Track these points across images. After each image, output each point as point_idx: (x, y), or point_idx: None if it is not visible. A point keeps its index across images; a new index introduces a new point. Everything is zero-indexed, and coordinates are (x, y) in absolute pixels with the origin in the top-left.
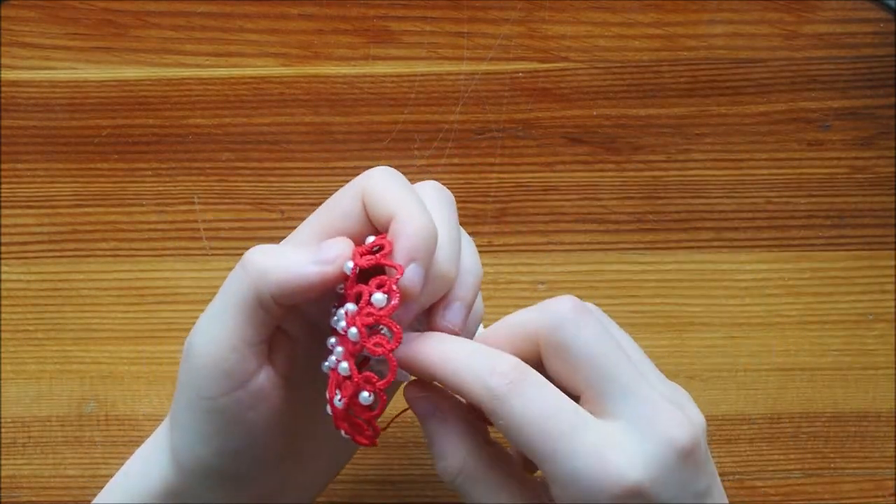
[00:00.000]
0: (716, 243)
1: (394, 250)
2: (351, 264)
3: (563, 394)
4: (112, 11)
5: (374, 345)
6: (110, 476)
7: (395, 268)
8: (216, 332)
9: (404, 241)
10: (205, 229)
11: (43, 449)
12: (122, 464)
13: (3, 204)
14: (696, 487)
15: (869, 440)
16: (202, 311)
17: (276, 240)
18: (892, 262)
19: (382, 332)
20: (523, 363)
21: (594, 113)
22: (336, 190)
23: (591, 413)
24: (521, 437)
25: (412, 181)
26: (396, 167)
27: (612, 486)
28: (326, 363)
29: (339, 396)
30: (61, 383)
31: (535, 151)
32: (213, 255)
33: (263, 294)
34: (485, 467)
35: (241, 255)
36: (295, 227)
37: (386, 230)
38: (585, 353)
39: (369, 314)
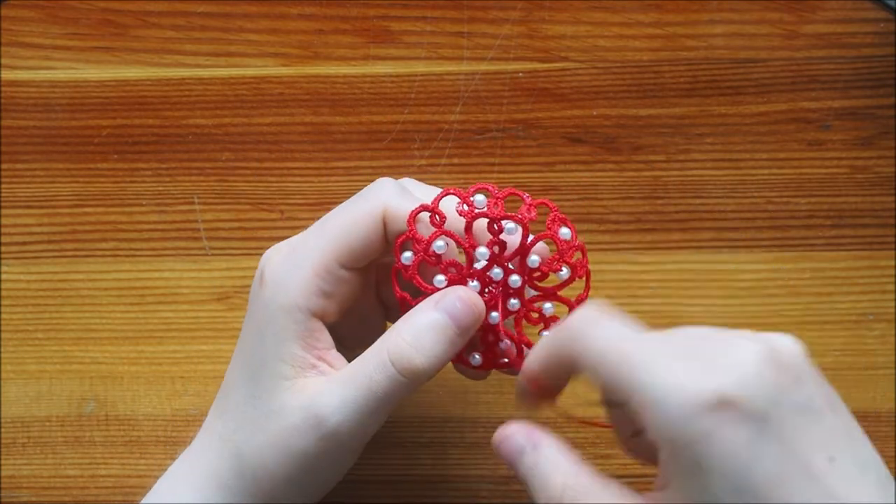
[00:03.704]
0: (716, 243)
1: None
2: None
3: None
4: (112, 11)
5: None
6: (110, 476)
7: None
8: None
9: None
10: (205, 229)
11: (43, 449)
12: (122, 464)
13: (3, 204)
14: (792, 397)
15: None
16: (202, 310)
17: (276, 240)
18: (892, 262)
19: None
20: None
21: (594, 113)
22: (335, 190)
23: None
24: (602, 376)
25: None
26: (396, 167)
27: (693, 399)
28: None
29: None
30: (61, 383)
31: (535, 151)
32: (212, 255)
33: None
34: (590, 476)
35: (241, 255)
36: (294, 227)
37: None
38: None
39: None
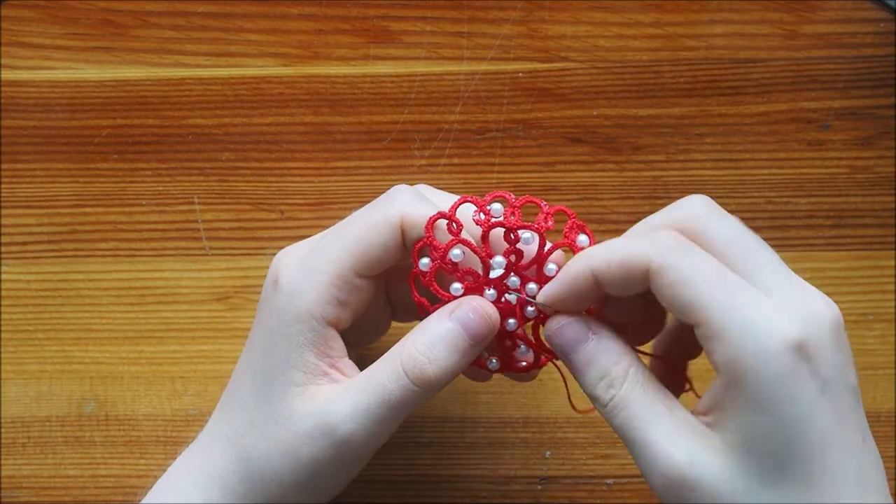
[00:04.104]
0: None
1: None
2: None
3: None
4: (112, 11)
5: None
6: (110, 476)
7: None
8: None
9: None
10: (205, 229)
11: (43, 449)
12: (122, 464)
13: (3, 204)
14: (846, 375)
15: None
16: (202, 310)
17: (276, 240)
18: (892, 262)
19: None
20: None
21: (594, 113)
22: (335, 190)
23: None
24: (692, 290)
25: (412, 181)
26: (396, 167)
27: (782, 337)
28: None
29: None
30: (61, 383)
31: (535, 151)
32: (212, 255)
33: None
34: (648, 376)
35: (241, 255)
36: (294, 227)
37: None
38: (727, 238)
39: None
